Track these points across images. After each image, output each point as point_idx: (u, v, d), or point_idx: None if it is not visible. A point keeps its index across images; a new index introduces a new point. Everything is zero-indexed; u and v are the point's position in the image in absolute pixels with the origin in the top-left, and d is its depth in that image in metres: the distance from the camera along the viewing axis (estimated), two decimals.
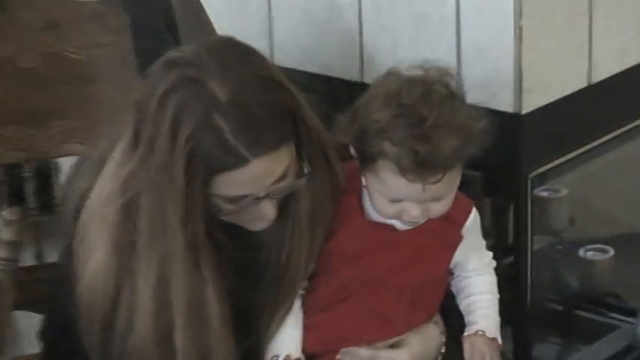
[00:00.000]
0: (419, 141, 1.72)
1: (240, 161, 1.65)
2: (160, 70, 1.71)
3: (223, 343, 1.80)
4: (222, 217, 1.77)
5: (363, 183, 1.86)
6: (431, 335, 2.01)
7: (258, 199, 1.71)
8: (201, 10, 2.45)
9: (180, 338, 1.76)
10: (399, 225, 1.86)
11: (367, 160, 1.79)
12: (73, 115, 2.48)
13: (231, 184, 1.69)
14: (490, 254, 2.05)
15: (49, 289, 2.15)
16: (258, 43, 2.30)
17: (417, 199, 1.77)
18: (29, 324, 2.41)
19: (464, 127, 1.77)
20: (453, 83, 1.84)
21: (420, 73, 1.86)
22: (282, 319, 1.89)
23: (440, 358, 2.04)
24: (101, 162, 1.82)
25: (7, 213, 1.79)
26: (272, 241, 1.87)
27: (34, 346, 2.19)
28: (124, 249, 1.76)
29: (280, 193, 1.75)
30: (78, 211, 1.82)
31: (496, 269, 2.16)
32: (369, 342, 1.96)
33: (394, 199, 1.79)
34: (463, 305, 2.02)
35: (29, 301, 2.44)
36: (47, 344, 2.07)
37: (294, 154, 1.74)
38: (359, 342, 1.96)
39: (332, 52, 2.62)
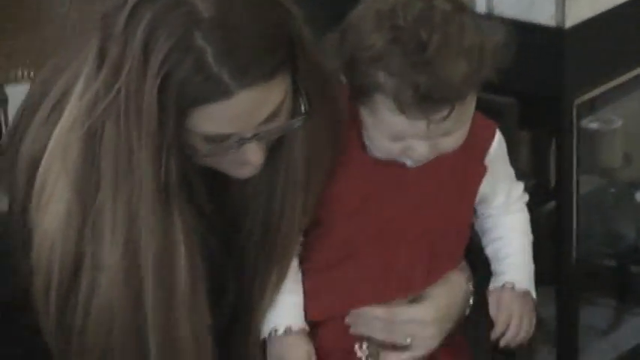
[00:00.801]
0: (419, 71, 1.46)
1: (224, 92, 1.39)
2: None
3: (194, 315, 1.54)
4: (200, 161, 1.51)
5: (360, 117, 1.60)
6: (456, 284, 1.73)
7: (243, 140, 1.45)
8: None
9: (151, 305, 1.51)
10: (408, 162, 1.57)
11: (361, 92, 1.52)
12: (20, 34, 2.39)
13: (212, 119, 1.45)
14: (521, 186, 1.75)
15: None
16: None
17: (423, 136, 1.52)
18: None
19: (473, 49, 1.47)
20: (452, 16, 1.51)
21: None
22: (277, 285, 1.64)
23: (468, 310, 1.72)
24: (63, 94, 1.58)
25: None
26: (260, 194, 1.59)
27: None
28: (87, 193, 1.52)
29: (270, 135, 1.49)
30: (35, 158, 1.58)
31: (533, 213, 1.80)
32: (384, 302, 1.68)
33: (396, 137, 1.53)
34: (489, 250, 1.73)
35: None
36: None
37: (290, 88, 1.48)
38: (371, 304, 1.67)
39: None
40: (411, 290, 1.67)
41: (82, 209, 1.53)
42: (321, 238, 1.64)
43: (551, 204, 2.25)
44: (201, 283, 1.53)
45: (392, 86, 1.46)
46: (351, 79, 1.52)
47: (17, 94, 2.37)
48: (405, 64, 1.46)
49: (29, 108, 1.67)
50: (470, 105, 1.54)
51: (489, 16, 2.15)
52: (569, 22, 2.11)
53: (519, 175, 1.78)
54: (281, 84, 1.45)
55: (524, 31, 1.77)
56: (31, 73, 2.47)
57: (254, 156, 1.49)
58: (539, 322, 1.87)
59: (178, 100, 1.42)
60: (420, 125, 1.48)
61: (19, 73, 2.47)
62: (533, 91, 2.08)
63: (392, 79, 1.47)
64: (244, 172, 1.53)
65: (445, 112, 1.46)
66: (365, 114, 1.55)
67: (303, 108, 1.50)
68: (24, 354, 1.66)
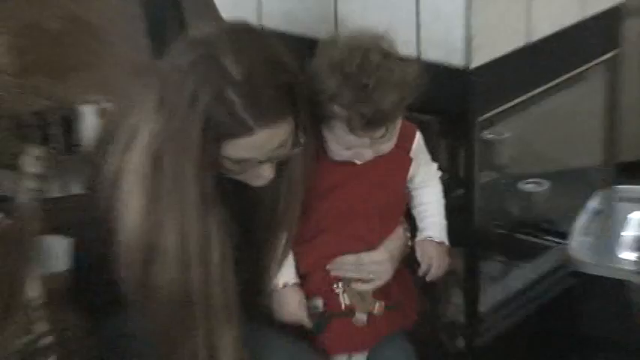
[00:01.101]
0: (364, 104, 1.76)
1: (247, 131, 1.69)
2: (184, 47, 1.75)
3: (229, 290, 1.84)
4: (228, 174, 1.81)
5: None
6: (398, 235, 2.04)
7: (260, 162, 1.76)
8: None
9: (194, 277, 1.80)
10: (356, 160, 1.90)
11: (323, 119, 1.84)
12: (89, 69, 2.45)
13: (238, 148, 1.73)
14: (435, 165, 2.09)
15: (75, 218, 2.14)
16: (248, 8, 2.60)
17: (367, 146, 1.83)
18: (56, 247, 2.29)
19: (400, 84, 1.79)
20: (386, 45, 1.84)
21: (358, 40, 1.87)
22: (281, 258, 1.93)
23: (409, 248, 2.05)
24: (132, 136, 1.86)
25: (35, 150, 1.74)
26: (269, 197, 1.91)
27: (60, 267, 2.15)
28: (153, 197, 1.80)
29: (278, 159, 1.80)
30: (116, 179, 1.84)
31: (448, 197, 2.15)
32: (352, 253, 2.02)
33: (348, 148, 1.85)
34: (415, 213, 2.04)
35: (55, 228, 2.30)
36: (77, 269, 2.08)
37: (293, 127, 1.78)
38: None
39: (311, 16, 2.60)
40: (370, 244, 1.98)
41: (149, 209, 1.79)
42: (302, 218, 1.92)
43: (461, 190, 2.43)
44: (228, 256, 1.82)
45: (344, 116, 1.77)
46: (314, 110, 1.82)
47: (87, 113, 2.63)
48: (352, 100, 1.76)
49: (107, 136, 1.92)
50: (399, 120, 1.85)
51: (417, 60, 2.34)
52: (474, 64, 2.29)
53: (440, 169, 2.11)
54: (287, 124, 1.74)
55: (444, 70, 2.23)
56: (97, 100, 2.52)
57: (267, 172, 1.78)
58: (453, 272, 2.32)
59: (215, 135, 1.71)
60: (365, 140, 1.80)
61: (86, 98, 2.50)
62: (449, 111, 2.32)
63: (344, 111, 1.77)
64: (259, 182, 1.82)
65: (383, 131, 1.80)
66: (326, 133, 1.86)
67: (301, 140, 1.79)
68: (109, 301, 1.94)
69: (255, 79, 1.72)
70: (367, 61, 1.80)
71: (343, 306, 1.99)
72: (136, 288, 1.84)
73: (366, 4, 2.50)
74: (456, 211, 2.27)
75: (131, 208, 1.81)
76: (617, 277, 2.54)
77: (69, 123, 2.66)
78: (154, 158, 1.76)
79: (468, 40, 2.28)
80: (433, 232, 2.04)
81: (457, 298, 2.57)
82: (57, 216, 2.27)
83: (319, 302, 2.00)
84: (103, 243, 1.85)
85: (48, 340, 1.88)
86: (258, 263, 2.00)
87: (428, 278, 2.03)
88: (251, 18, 2.76)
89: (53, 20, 2.38)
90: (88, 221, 2.02)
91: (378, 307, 1.99)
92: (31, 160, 1.73)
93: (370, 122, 1.77)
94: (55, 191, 2.53)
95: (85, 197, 2.11)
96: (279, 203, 1.92)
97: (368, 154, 1.87)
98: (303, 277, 2.00)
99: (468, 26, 2.26)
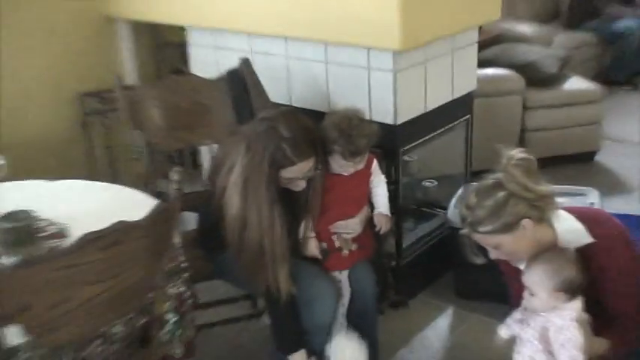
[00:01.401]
0: (350, 145, 2.26)
1: (293, 164, 2.13)
2: (259, 121, 2.19)
3: (284, 244, 2.20)
4: (283, 185, 2.19)
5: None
6: (365, 210, 2.47)
7: (299, 178, 2.18)
8: (258, 81, 2.86)
9: (267, 242, 2.17)
10: (345, 173, 2.35)
11: (328, 153, 2.29)
12: (204, 127, 2.89)
13: (288, 173, 2.15)
14: (382, 175, 2.52)
15: (198, 204, 2.50)
16: (282, 93, 2.96)
17: (352, 166, 2.34)
18: (189, 218, 2.71)
19: (368, 134, 2.30)
20: (360, 114, 2.34)
21: (345, 111, 2.34)
22: (308, 227, 2.35)
23: (369, 217, 2.44)
24: (232, 166, 2.20)
25: (176, 168, 1.84)
26: (303, 197, 2.28)
27: (191, 227, 2.56)
28: (245, 201, 2.14)
29: (308, 177, 2.20)
30: (224, 188, 2.19)
31: (388, 191, 2.59)
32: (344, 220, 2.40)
33: (341, 167, 2.34)
34: (373, 199, 2.51)
35: (189, 208, 2.49)
36: (200, 228, 2.50)
37: (315, 161, 2.18)
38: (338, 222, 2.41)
39: (310, 94, 3.08)
40: (352, 215, 2.42)
41: (243, 206, 2.16)
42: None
43: (393, 186, 2.81)
44: (284, 228, 2.20)
45: (340, 151, 2.26)
46: (325, 149, 2.26)
47: (203, 150, 3.09)
48: (344, 143, 2.26)
49: (216, 165, 2.32)
50: (367, 152, 2.34)
51: (370, 119, 2.71)
52: (398, 122, 2.84)
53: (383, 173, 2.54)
54: (312, 160, 2.17)
55: (384, 125, 2.73)
56: (208, 143, 2.95)
57: (302, 183, 2.22)
58: (390, 228, 2.70)
59: (276, 167, 2.13)
60: (350, 163, 2.32)
61: (203, 142, 2.96)
62: (387, 147, 2.77)
63: (340, 148, 2.26)
64: (298, 188, 2.24)
65: (359, 159, 2.32)
66: (330, 160, 2.31)
67: (319, 167, 2.22)
68: (219, 245, 2.27)
69: (296, 137, 2.12)
70: (351, 123, 2.28)
71: (337, 245, 2.42)
72: (235, 244, 2.19)
73: (343, 92, 2.92)
74: (391, 197, 2.69)
75: (232, 204, 2.17)
76: None
77: (194, 155, 3.21)
78: (244, 178, 2.14)
79: (395, 110, 2.83)
80: (383, 209, 2.51)
81: (391, 241, 3.07)
82: (189, 202, 2.51)
83: (324, 244, 2.41)
84: (214, 217, 2.24)
85: (185, 265, 2.09)
86: (297, 229, 2.35)
87: (381, 232, 2.53)
88: (285, 99, 3.12)
89: (184, 101, 2.88)
90: (205, 205, 2.40)
91: (354, 247, 2.44)
92: (174, 174, 1.84)
93: (353, 154, 2.29)
94: (187, 189, 2.57)
95: (203, 192, 2.58)
96: (308, 199, 2.30)
97: (351, 170, 2.36)
98: (317, 234, 2.40)
99: (395, 103, 2.81)
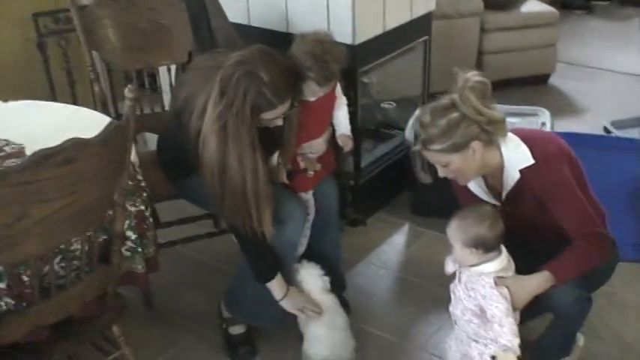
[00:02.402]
0: (326, 71, 2.23)
1: (274, 107, 2.09)
2: (235, 64, 2.04)
3: (268, 186, 2.17)
4: (261, 125, 2.14)
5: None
6: (329, 130, 2.46)
7: (278, 118, 2.15)
8: (216, 0, 2.75)
9: (249, 181, 2.11)
10: (313, 98, 2.32)
11: (300, 75, 2.23)
12: (163, 47, 2.84)
13: (267, 115, 2.11)
14: (344, 98, 2.53)
15: (158, 126, 2.53)
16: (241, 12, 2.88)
17: (325, 90, 2.31)
18: (147, 138, 2.96)
19: (340, 58, 2.27)
20: (331, 37, 2.31)
21: (316, 35, 2.28)
22: (287, 156, 2.33)
23: (331, 137, 2.45)
24: (204, 109, 2.10)
25: (131, 86, 1.76)
26: (280, 133, 2.26)
27: (149, 148, 2.71)
28: (223, 144, 2.07)
29: (284, 115, 2.16)
30: (189, 116, 2.12)
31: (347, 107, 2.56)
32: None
33: (314, 94, 2.31)
34: (334, 120, 2.51)
35: (149, 128, 2.86)
36: (161, 154, 2.47)
37: (290, 101, 2.13)
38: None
39: (268, 13, 3.00)
40: (317, 137, 2.39)
41: (223, 150, 2.07)
42: None
43: (352, 108, 2.72)
44: (266, 168, 2.16)
45: (315, 77, 2.22)
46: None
47: (162, 70, 2.93)
48: (319, 70, 2.21)
49: (183, 105, 2.16)
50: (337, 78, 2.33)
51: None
52: (357, 42, 2.82)
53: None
54: (289, 101, 2.11)
55: (345, 45, 2.62)
56: (167, 64, 2.83)
57: (279, 121, 2.17)
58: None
59: (257, 111, 2.06)
60: (325, 89, 2.29)
61: (161, 63, 2.86)
62: (345, 68, 2.38)
63: (315, 75, 2.21)
64: (275, 124, 2.16)
65: (333, 84, 2.33)
66: (304, 88, 2.26)
67: (295, 106, 2.17)
68: (185, 170, 2.26)
69: (276, 80, 2.05)
70: (324, 48, 2.23)
71: (302, 167, 2.44)
72: (216, 188, 2.12)
73: (302, 12, 2.86)
74: (350, 119, 2.65)
75: (209, 148, 2.08)
76: None
77: (153, 77, 3.09)
78: (222, 124, 2.04)
79: (354, 30, 2.81)
80: (344, 130, 2.54)
81: (350, 161, 3.11)
82: (147, 122, 2.77)
83: (289, 167, 2.40)
84: (178, 145, 2.18)
85: (143, 184, 2.11)
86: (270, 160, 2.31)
87: (344, 151, 2.58)
88: (243, 19, 3.05)
89: (141, 21, 2.80)
90: (165, 130, 2.43)
91: (318, 166, 2.46)
92: (128, 92, 1.75)
93: (328, 80, 2.27)
94: (146, 109, 2.91)
95: (162, 114, 2.66)
96: (285, 132, 2.27)
97: (321, 94, 2.32)
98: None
99: (353, 23, 2.78)
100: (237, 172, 2.09)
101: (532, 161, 2.02)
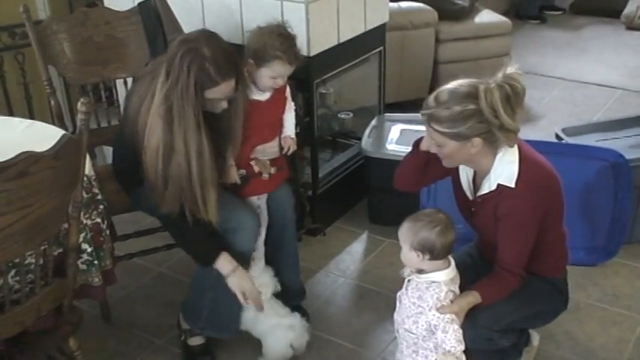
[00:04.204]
0: (285, 51, 2.26)
1: (216, 84, 2.11)
2: (178, 44, 2.11)
3: (212, 168, 2.18)
4: (207, 109, 2.15)
5: (249, 72, 2.29)
6: (278, 135, 2.49)
7: (222, 100, 2.17)
8: (171, 13, 2.81)
9: (195, 167, 2.13)
10: (263, 99, 2.37)
11: (262, 59, 2.27)
12: (119, 60, 2.85)
13: (211, 94, 2.12)
14: (293, 103, 2.54)
15: (113, 137, 2.50)
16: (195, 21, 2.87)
17: (285, 75, 2.34)
18: (104, 151, 2.94)
19: (294, 42, 2.30)
20: (289, 29, 2.33)
21: (273, 22, 2.33)
22: (237, 147, 2.32)
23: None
24: (151, 90, 2.13)
25: (84, 100, 1.76)
26: (226, 118, 2.25)
27: (105, 162, 2.72)
28: (169, 126, 2.09)
29: (229, 97, 2.18)
30: (138, 113, 2.15)
31: (302, 123, 2.75)
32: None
33: (274, 77, 2.31)
34: (284, 123, 2.51)
35: (104, 142, 2.87)
36: (115, 163, 2.48)
37: (235, 82, 2.16)
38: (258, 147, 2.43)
39: (224, 25, 2.97)
40: (269, 140, 2.44)
41: (169, 133, 2.09)
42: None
43: (308, 118, 2.93)
44: (211, 152, 2.15)
45: (283, 56, 2.25)
46: (257, 58, 2.27)
47: (118, 84, 3.00)
48: (288, 47, 2.25)
49: (136, 103, 2.18)
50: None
51: None
52: (312, 54, 2.83)
53: (297, 108, 2.59)
54: (233, 80, 2.12)
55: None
56: (123, 77, 2.88)
57: (224, 104, 2.17)
58: (305, 157, 3.01)
59: (201, 88, 2.07)
60: (288, 68, 2.28)
61: (117, 76, 2.89)
62: (302, 77, 2.76)
63: (283, 54, 2.25)
64: (219, 109, 2.19)
65: (299, 62, 2.32)
66: (262, 69, 2.26)
67: (239, 88, 2.18)
68: (136, 179, 2.24)
69: (218, 56, 2.08)
70: (284, 35, 2.29)
71: (256, 170, 2.43)
72: (160, 176, 2.12)
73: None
74: (306, 129, 2.91)
75: (154, 134, 2.10)
76: (383, 157, 3.09)
77: (109, 89, 3.11)
78: (167, 106, 2.07)
79: (308, 41, 2.83)
80: (290, 132, 2.54)
81: (308, 170, 3.14)
82: (104, 135, 2.80)
83: (243, 171, 2.41)
84: (129, 152, 2.20)
85: (99, 196, 2.11)
86: (220, 158, 2.27)
87: (288, 153, 2.53)
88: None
89: (97, 35, 2.81)
90: (118, 139, 2.40)
91: (273, 170, 2.46)
92: (82, 106, 1.76)
93: (297, 58, 2.30)
94: (103, 123, 2.94)
95: (118, 126, 2.50)
96: (231, 120, 2.26)
97: (281, 82, 2.33)
98: (236, 161, 2.37)
99: (307, 34, 2.80)
100: (183, 154, 2.09)
101: (512, 185, 2.02)
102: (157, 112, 2.09)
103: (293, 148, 2.56)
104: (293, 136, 2.56)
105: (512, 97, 1.94)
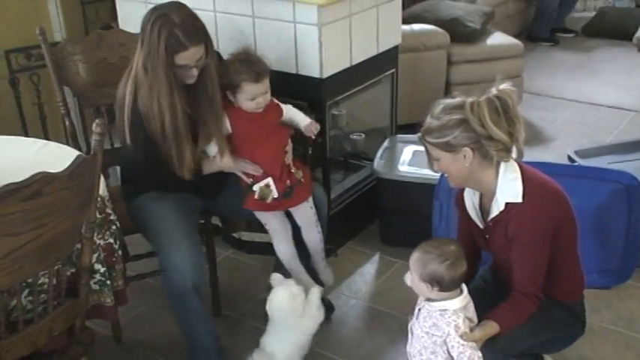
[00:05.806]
0: (254, 66, 2.34)
1: (185, 48, 2.24)
2: (150, 12, 2.26)
3: (186, 123, 2.29)
4: (177, 74, 2.26)
5: (233, 101, 2.39)
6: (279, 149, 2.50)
7: (192, 66, 2.28)
8: None
9: (169, 120, 2.24)
10: (258, 110, 2.40)
11: (234, 87, 2.36)
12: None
13: (181, 59, 2.25)
14: (290, 105, 2.53)
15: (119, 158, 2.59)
16: None
17: (260, 93, 2.37)
18: (114, 172, 2.90)
19: (262, 62, 2.39)
20: (257, 54, 2.42)
21: (242, 48, 2.43)
22: (216, 125, 2.36)
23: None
24: (129, 67, 2.31)
25: (99, 121, 1.79)
26: (200, 86, 2.33)
27: (117, 182, 2.67)
28: (150, 90, 2.23)
29: (199, 65, 2.29)
30: (122, 93, 2.29)
31: (313, 147, 2.71)
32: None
33: (251, 98, 2.38)
34: (292, 122, 2.54)
35: (114, 163, 2.83)
36: (121, 176, 2.56)
37: (205, 50, 2.28)
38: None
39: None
40: (261, 148, 2.41)
41: (145, 93, 2.24)
42: (242, 150, 2.39)
43: (320, 139, 2.85)
44: (185, 111, 2.27)
45: (246, 78, 2.32)
46: (227, 85, 2.35)
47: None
48: (247, 68, 2.33)
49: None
50: (269, 75, 2.36)
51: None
52: (325, 76, 2.85)
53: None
54: (202, 47, 2.26)
55: (311, 79, 2.82)
56: None
57: (195, 73, 2.28)
58: (317, 179, 2.93)
59: (171, 52, 2.20)
60: (260, 87, 2.34)
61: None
62: (315, 99, 2.83)
63: (246, 75, 2.32)
64: (192, 80, 2.30)
65: (266, 81, 2.36)
66: (237, 95, 2.35)
67: (208, 57, 2.29)
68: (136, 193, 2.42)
69: (186, 22, 2.22)
70: (246, 51, 2.41)
71: (256, 197, 2.43)
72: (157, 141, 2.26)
73: (270, 46, 2.86)
74: (319, 151, 2.90)
75: (130, 93, 2.24)
76: (395, 179, 3.12)
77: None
78: (144, 69, 2.23)
79: (321, 64, 2.85)
80: (303, 120, 2.52)
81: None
82: (117, 155, 2.67)
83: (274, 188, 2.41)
84: (136, 169, 2.37)
85: (112, 217, 2.13)
86: (198, 118, 2.36)
87: (312, 135, 2.51)
88: None
89: (113, 57, 2.80)
90: (125, 159, 2.54)
91: (275, 194, 2.40)
92: (96, 127, 1.78)
93: (259, 74, 2.34)
94: (117, 143, 2.71)
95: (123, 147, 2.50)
96: (206, 87, 2.34)
97: (262, 101, 2.37)
98: (264, 171, 2.40)
99: (320, 56, 2.82)
100: (157, 113, 2.22)
101: (520, 200, 2.01)
102: (134, 76, 2.25)
103: (317, 127, 2.53)
104: (308, 120, 2.54)
105: (501, 109, 1.97)
